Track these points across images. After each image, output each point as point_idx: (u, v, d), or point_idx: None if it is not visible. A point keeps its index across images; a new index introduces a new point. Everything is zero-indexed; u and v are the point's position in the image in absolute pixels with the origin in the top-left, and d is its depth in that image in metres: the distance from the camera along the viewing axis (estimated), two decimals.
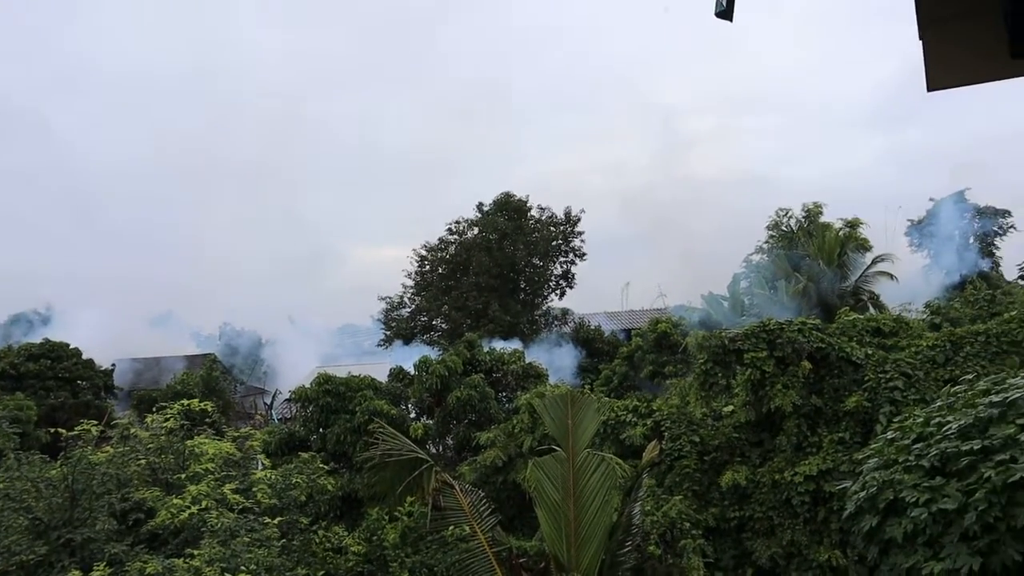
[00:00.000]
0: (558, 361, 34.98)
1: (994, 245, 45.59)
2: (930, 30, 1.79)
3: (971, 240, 45.05)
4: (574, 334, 39.29)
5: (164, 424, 15.38)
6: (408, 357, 36.95)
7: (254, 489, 14.00)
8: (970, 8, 1.71)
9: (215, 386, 37.11)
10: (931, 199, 46.35)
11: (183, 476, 14.13)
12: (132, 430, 15.79)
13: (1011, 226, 45.52)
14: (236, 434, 17.87)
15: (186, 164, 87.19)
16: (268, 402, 44.32)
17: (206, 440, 15.15)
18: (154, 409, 16.52)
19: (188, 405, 16.07)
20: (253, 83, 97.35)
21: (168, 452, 14.94)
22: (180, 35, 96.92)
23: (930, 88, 1.92)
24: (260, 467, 17.31)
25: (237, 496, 13.23)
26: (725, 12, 1.86)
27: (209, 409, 16.98)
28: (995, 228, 45.61)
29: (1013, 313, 18.85)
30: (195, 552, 11.05)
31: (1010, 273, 41.22)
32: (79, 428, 15.10)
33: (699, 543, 16.61)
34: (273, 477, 14.77)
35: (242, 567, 10.78)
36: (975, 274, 37.50)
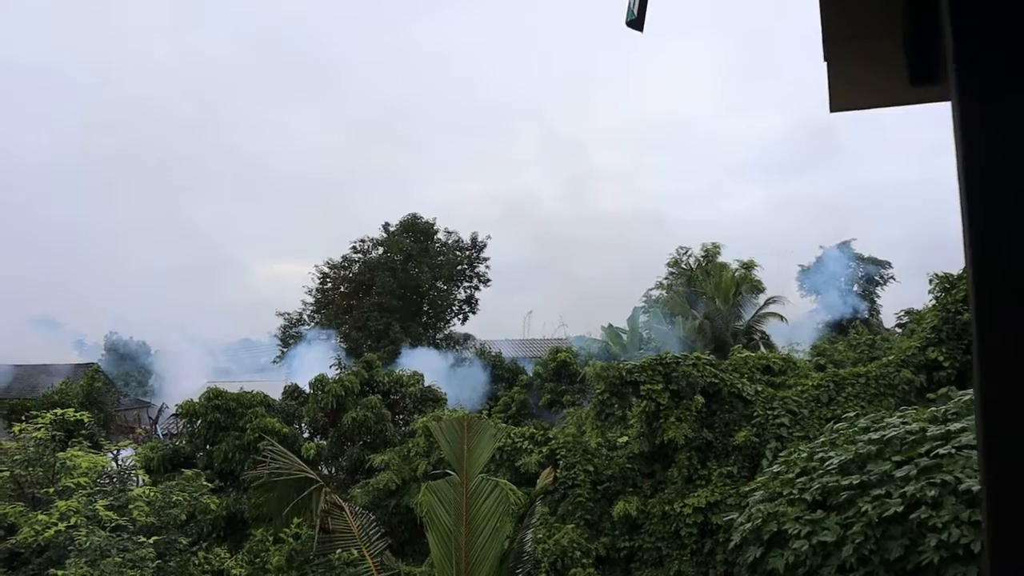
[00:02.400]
0: (470, 383, 34.78)
1: (875, 293, 48.14)
2: (834, 52, 1.84)
3: (855, 287, 47.42)
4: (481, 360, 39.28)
5: (34, 434, 14.44)
6: (309, 353, 36.16)
7: (130, 506, 13.28)
8: (874, 34, 1.76)
9: (96, 397, 35.20)
10: (820, 246, 48.66)
11: (52, 490, 13.28)
12: None
13: (891, 276, 48.22)
14: (115, 447, 17.00)
15: (78, 163, 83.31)
16: (153, 416, 42.38)
17: (80, 453, 14.30)
18: (24, 418, 15.52)
19: (62, 415, 15.13)
20: (153, 87, 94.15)
21: (37, 464, 14.01)
22: (81, 32, 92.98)
23: (832, 109, 1.98)
24: (139, 483, 16.46)
25: (111, 513, 12.51)
26: (636, 21, 1.86)
27: (86, 420, 16.05)
28: (876, 277, 48.18)
29: (890, 358, 19.88)
30: (59, 572, 10.38)
31: (888, 320, 43.58)
32: None
33: (589, 572, 16.69)
34: (152, 494, 14.05)
35: None
36: (857, 320, 39.45)
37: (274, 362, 48.64)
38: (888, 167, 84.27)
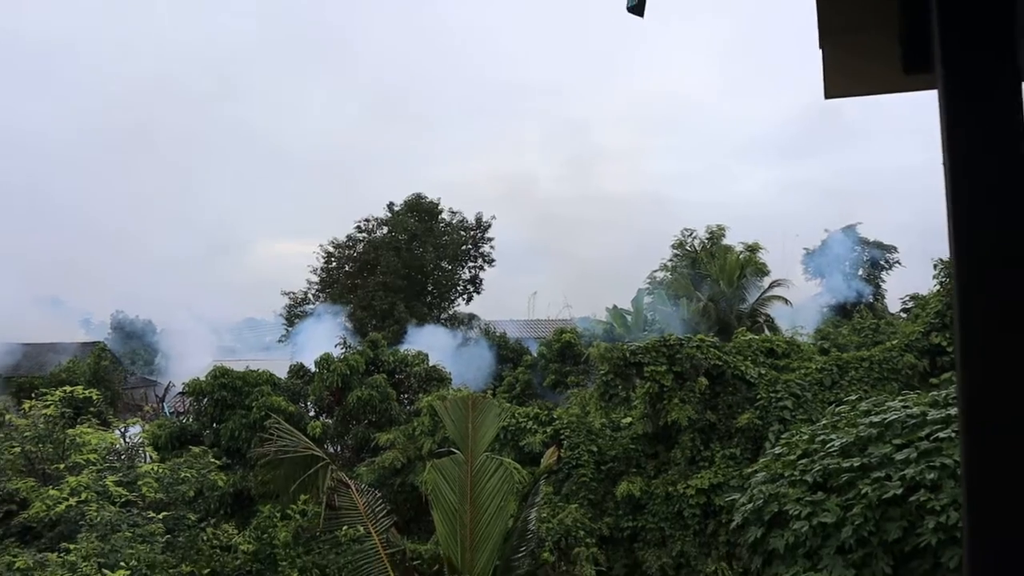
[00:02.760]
0: (475, 363, 34.94)
1: (880, 278, 48.05)
2: (829, 40, 1.90)
3: (860, 271, 47.33)
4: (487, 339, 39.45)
5: (44, 411, 14.60)
6: (316, 329, 36.43)
7: (139, 482, 13.43)
8: (869, 22, 1.82)
9: (103, 376, 35.48)
10: (826, 230, 48.53)
11: (62, 466, 13.44)
12: (7, 416, 14.94)
13: (896, 261, 48.07)
14: (123, 425, 17.17)
15: (84, 141, 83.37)
16: (160, 394, 42.69)
17: (89, 430, 14.45)
18: (33, 396, 15.67)
19: (71, 392, 15.28)
20: (160, 63, 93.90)
21: (47, 441, 14.17)
22: (96, 7, 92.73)
23: (827, 96, 2.03)
24: (147, 460, 16.64)
25: (120, 489, 12.66)
26: (637, 7, 1.90)
27: (94, 397, 16.21)
28: (881, 261, 48.06)
29: (894, 342, 19.94)
30: (71, 546, 10.53)
31: (893, 305, 43.52)
32: None
33: (592, 551, 16.86)
34: (161, 470, 14.21)
35: (121, 563, 10.33)
36: (862, 304, 39.43)
37: (279, 341, 48.88)
38: (896, 151, 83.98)
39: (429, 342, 32.35)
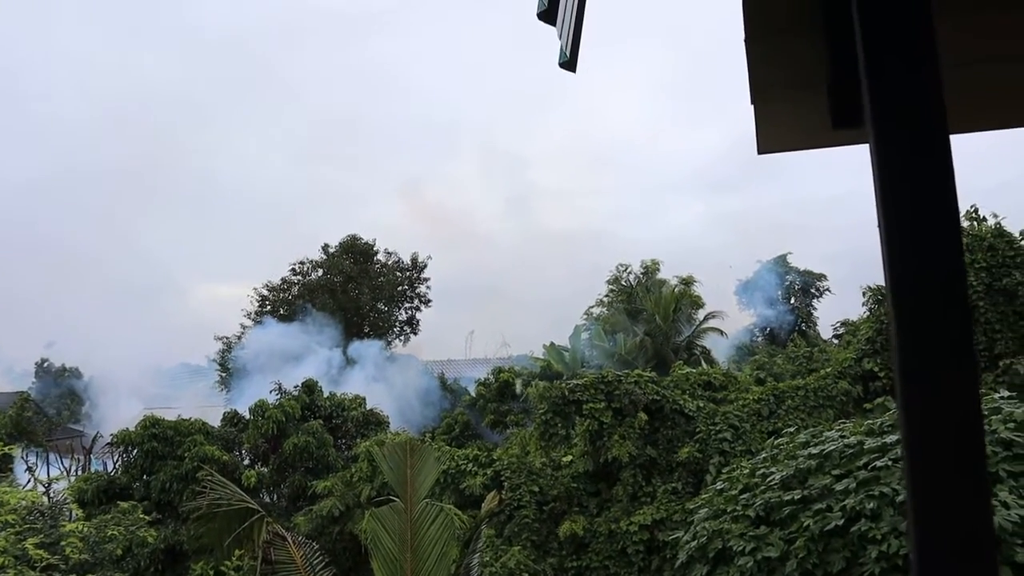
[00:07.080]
0: (415, 404, 34.60)
1: (811, 306, 49.28)
2: (760, 97, 1.91)
3: (792, 300, 48.49)
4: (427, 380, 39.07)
5: None
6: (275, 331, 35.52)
7: (63, 543, 12.78)
8: (798, 80, 1.84)
9: (26, 427, 34.00)
10: (758, 261, 49.68)
11: None
12: None
13: (826, 288, 49.42)
14: (45, 482, 16.40)
15: (12, 183, 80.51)
16: (87, 446, 40.98)
17: (8, 488, 13.74)
18: None
19: None
20: (92, 104, 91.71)
21: None
22: (25, 47, 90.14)
23: (760, 151, 2.05)
24: (72, 518, 15.87)
25: (41, 552, 12.02)
26: (568, 63, 1.88)
27: (14, 454, 15.46)
28: (813, 290, 49.34)
29: (828, 370, 20.35)
30: None
31: (825, 331, 44.60)
32: None
33: None
34: (86, 529, 13.56)
35: None
36: (795, 332, 40.33)
37: (218, 387, 47.60)
38: (825, 182, 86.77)
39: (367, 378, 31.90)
